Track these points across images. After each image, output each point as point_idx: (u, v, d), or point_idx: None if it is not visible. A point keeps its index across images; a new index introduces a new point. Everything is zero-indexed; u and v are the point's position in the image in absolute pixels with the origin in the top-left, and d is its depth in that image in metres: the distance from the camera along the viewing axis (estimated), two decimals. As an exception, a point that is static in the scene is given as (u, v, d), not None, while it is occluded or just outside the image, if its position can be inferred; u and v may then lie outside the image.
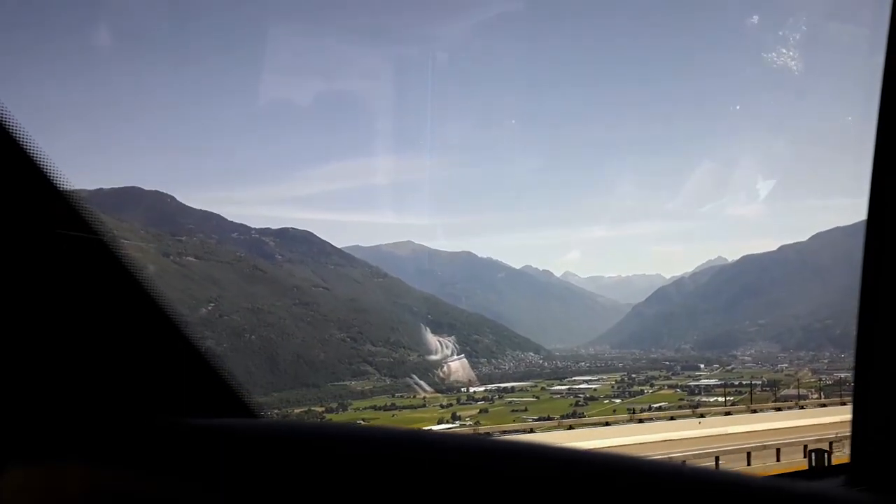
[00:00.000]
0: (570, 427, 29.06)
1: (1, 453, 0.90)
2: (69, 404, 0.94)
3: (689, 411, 36.90)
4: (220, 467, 0.75)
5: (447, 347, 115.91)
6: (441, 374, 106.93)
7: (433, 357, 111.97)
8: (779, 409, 32.10)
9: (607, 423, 29.04)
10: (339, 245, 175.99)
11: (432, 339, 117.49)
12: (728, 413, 31.44)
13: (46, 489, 0.86)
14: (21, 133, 0.88)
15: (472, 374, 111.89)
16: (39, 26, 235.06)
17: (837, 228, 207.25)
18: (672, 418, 30.17)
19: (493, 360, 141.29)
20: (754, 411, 32.02)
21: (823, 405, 31.25)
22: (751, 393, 55.87)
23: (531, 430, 28.28)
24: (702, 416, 30.75)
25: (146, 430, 0.87)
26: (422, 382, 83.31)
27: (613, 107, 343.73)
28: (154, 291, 0.98)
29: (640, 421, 29.91)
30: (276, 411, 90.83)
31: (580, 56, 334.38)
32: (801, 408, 32.69)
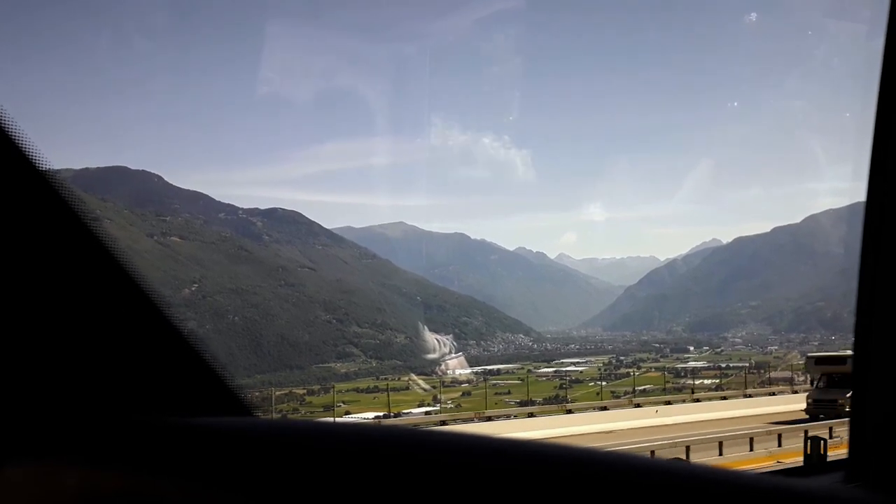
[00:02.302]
0: (531, 415, 27.87)
1: None
2: (66, 403, 0.93)
3: (667, 397, 35.49)
4: (218, 466, 0.75)
5: (445, 345, 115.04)
6: (439, 372, 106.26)
7: (432, 356, 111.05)
8: (750, 396, 31.02)
9: (569, 412, 27.84)
10: (330, 226, 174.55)
11: (430, 338, 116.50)
12: (696, 400, 30.30)
13: (43, 489, 0.85)
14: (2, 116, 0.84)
15: (468, 371, 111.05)
16: (30, 6, 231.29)
17: (830, 210, 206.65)
18: (638, 405, 28.97)
19: (483, 342, 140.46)
20: (724, 398, 30.94)
21: (795, 392, 30.15)
22: (720, 381, 54.83)
23: (488, 419, 27.04)
24: (668, 402, 29.59)
25: (143, 430, 0.86)
26: (420, 381, 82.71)
27: (611, 95, 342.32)
28: (150, 288, 0.96)
29: (604, 408, 28.77)
30: (257, 393, 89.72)
31: (580, 45, 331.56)
32: (772, 394, 31.66)
